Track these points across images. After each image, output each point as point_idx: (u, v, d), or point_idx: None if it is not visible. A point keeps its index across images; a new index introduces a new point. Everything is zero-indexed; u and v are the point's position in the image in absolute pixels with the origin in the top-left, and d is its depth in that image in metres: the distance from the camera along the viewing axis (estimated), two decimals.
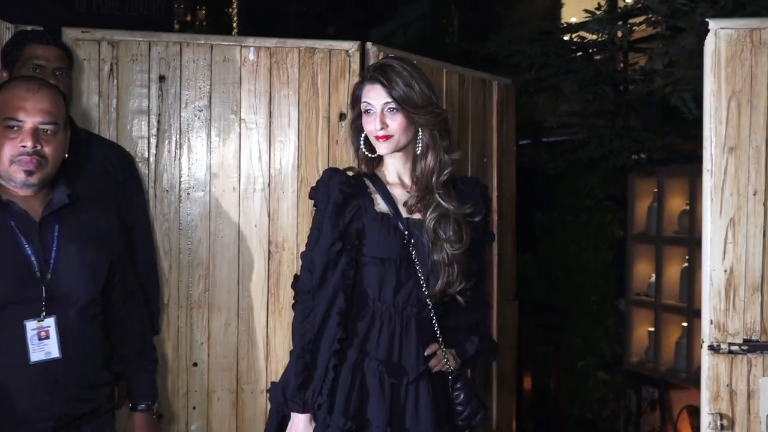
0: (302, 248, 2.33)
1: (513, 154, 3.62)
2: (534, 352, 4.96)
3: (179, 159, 2.77)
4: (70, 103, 2.54)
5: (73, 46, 2.64)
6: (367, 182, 2.25)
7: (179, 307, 2.75)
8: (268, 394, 2.30)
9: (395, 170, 2.26)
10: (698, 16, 3.90)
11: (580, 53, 4.66)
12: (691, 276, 4.14)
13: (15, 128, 2.03)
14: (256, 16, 9.48)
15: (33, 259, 2.04)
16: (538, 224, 5.33)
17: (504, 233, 3.45)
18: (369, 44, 2.86)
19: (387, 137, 2.19)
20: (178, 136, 2.77)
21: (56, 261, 2.06)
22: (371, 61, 2.80)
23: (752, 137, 2.61)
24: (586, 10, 4.52)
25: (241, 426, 2.77)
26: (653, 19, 4.35)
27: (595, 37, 4.56)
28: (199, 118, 2.78)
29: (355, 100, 2.26)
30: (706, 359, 2.60)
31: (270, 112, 2.81)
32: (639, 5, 4.39)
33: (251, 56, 2.80)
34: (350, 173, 2.29)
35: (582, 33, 4.62)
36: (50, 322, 2.03)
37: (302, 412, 2.15)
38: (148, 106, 2.75)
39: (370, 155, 2.26)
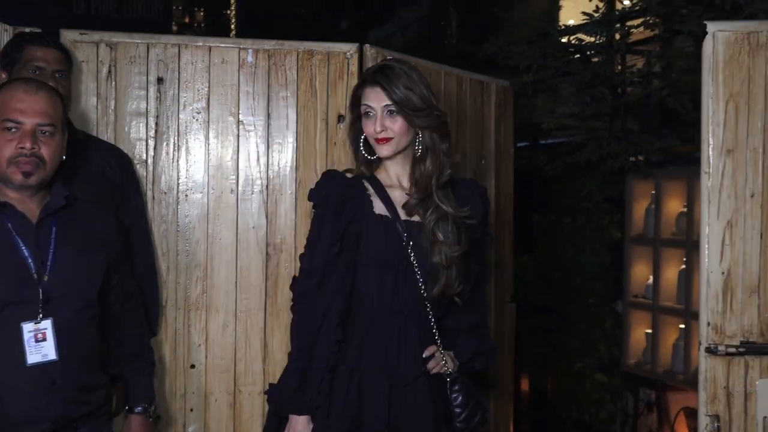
0: (300, 250, 2.33)
1: (511, 156, 3.63)
2: (531, 354, 4.96)
3: (177, 161, 2.77)
4: (69, 106, 2.54)
5: (71, 47, 2.64)
6: (366, 184, 2.25)
7: (177, 309, 2.74)
8: (266, 396, 2.30)
9: (394, 172, 2.27)
10: (696, 19, 3.91)
11: (578, 55, 4.67)
12: (688, 278, 4.15)
13: (13, 130, 2.03)
14: (254, 18, 9.49)
15: (30, 261, 2.03)
16: (535, 226, 5.33)
17: (502, 235, 3.46)
18: (367, 46, 2.86)
19: (387, 140, 2.20)
20: (176, 138, 2.77)
21: (53, 263, 2.06)
22: (369, 63, 2.80)
23: (750, 140, 2.62)
24: (584, 13, 4.53)
25: (238, 428, 2.76)
26: (651, 21, 4.37)
27: (592, 39, 4.58)
28: (197, 120, 2.78)
29: (355, 102, 2.26)
30: (703, 361, 2.61)
31: (268, 114, 2.81)
32: (637, 8, 4.40)
33: (249, 58, 2.80)
34: (349, 175, 2.29)
35: (580, 35, 4.63)
36: (47, 324, 2.03)
37: (300, 413, 2.15)
38: (147, 108, 2.75)
39: (369, 157, 2.27)
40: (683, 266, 4.26)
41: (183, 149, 2.77)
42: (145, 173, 2.74)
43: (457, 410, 2.22)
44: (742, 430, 2.59)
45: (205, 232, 2.77)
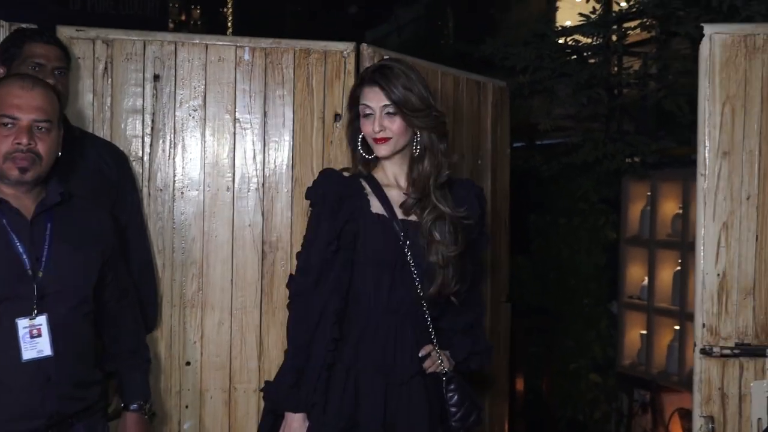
0: (296, 248, 2.33)
1: (507, 156, 3.63)
2: (527, 354, 4.97)
3: (173, 158, 2.76)
4: (67, 103, 2.54)
5: (67, 44, 2.63)
6: (363, 183, 2.25)
7: (172, 306, 2.74)
8: (261, 393, 2.29)
9: (391, 172, 2.27)
10: (692, 21, 3.92)
11: (575, 56, 4.67)
12: (683, 279, 4.16)
13: (9, 125, 2.03)
14: (250, 16, 9.47)
15: (24, 257, 2.03)
16: (531, 226, 5.34)
17: (498, 235, 3.46)
18: (364, 45, 2.86)
19: (385, 139, 2.20)
20: (172, 136, 2.76)
21: (48, 259, 2.06)
22: (366, 62, 2.80)
23: (746, 142, 2.62)
24: (581, 14, 4.54)
25: (233, 425, 2.76)
26: (648, 23, 4.38)
27: (589, 40, 4.58)
28: (193, 117, 2.77)
29: (353, 101, 2.26)
30: (698, 362, 2.61)
31: (265, 112, 2.81)
32: (633, 9, 4.41)
33: (246, 56, 2.80)
34: (346, 174, 2.29)
35: (577, 36, 4.64)
36: (42, 320, 2.02)
37: (296, 411, 2.15)
38: (143, 105, 2.75)
39: (367, 156, 2.27)
40: (678, 268, 4.27)
41: (179, 146, 2.77)
42: (141, 170, 2.74)
43: (453, 409, 2.22)
44: None
45: (201, 230, 2.76)
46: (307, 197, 2.27)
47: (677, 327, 4.23)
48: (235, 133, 2.79)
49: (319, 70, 2.82)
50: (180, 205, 2.76)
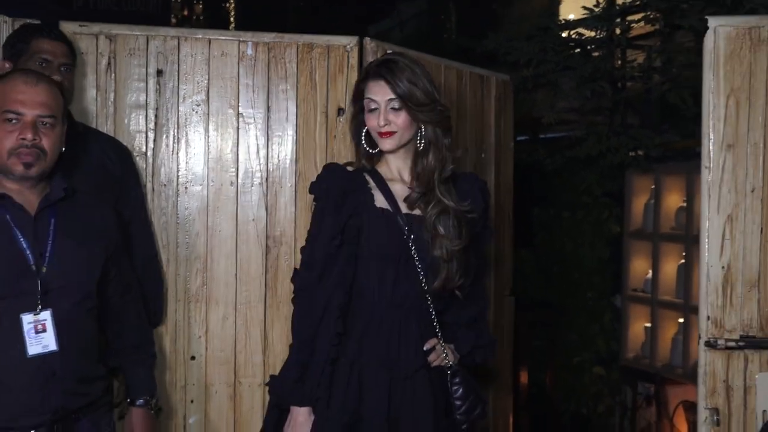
0: (300, 243, 2.33)
1: (511, 150, 3.62)
2: (530, 348, 4.97)
3: (177, 153, 2.77)
4: (72, 99, 2.54)
5: (71, 40, 2.63)
6: (367, 177, 2.25)
7: (177, 301, 2.74)
8: (266, 388, 2.30)
9: (395, 166, 2.26)
10: (696, 14, 3.91)
11: (578, 50, 4.66)
12: (687, 272, 4.16)
13: (14, 121, 2.03)
14: (252, 12, 9.47)
15: (28, 252, 2.03)
16: (535, 220, 5.34)
17: (501, 229, 3.46)
18: (367, 39, 2.86)
19: (390, 134, 2.19)
20: (175, 131, 2.77)
21: (52, 254, 2.06)
22: (369, 56, 2.80)
23: (750, 134, 2.62)
24: (584, 7, 4.52)
25: (238, 419, 2.77)
26: (651, 16, 4.36)
27: (593, 33, 4.57)
28: (197, 112, 2.77)
29: (358, 95, 2.25)
30: (702, 355, 2.61)
31: (268, 107, 2.81)
32: (637, 2, 4.40)
33: (249, 51, 2.80)
34: (350, 168, 2.29)
35: (580, 30, 4.62)
36: (46, 315, 2.03)
37: (301, 405, 2.15)
38: (146, 101, 2.75)
39: (370, 151, 2.26)
40: (682, 261, 4.26)
41: (183, 141, 2.77)
42: (144, 165, 2.74)
43: (458, 403, 2.22)
44: (741, 424, 2.60)
45: (205, 225, 2.77)
46: (310, 192, 2.27)
47: (681, 320, 4.23)
48: (238, 128, 2.79)
49: (322, 64, 2.82)
50: (184, 200, 2.76)
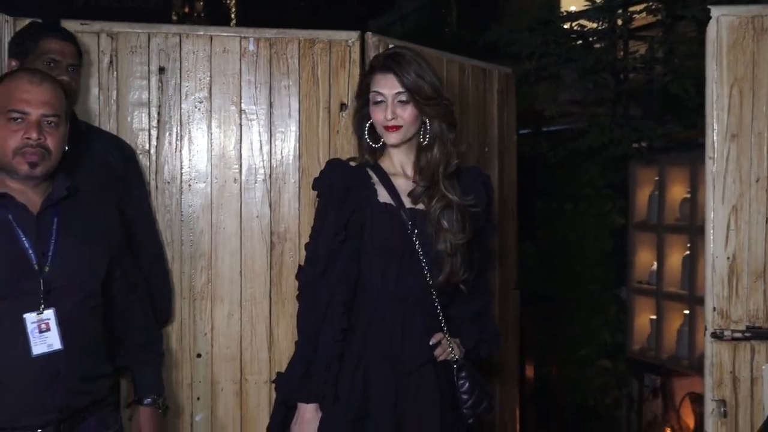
0: (304, 239, 2.32)
1: (514, 143, 3.62)
2: (535, 341, 4.96)
3: (180, 151, 2.76)
4: (77, 99, 2.54)
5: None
6: (370, 173, 2.25)
7: (182, 299, 2.74)
8: (272, 385, 2.30)
9: (398, 160, 2.26)
10: (698, 4, 3.90)
11: (580, 42, 4.65)
12: (692, 264, 4.15)
13: (18, 120, 2.03)
14: (253, 9, 9.46)
15: (30, 252, 2.03)
16: (538, 213, 5.33)
17: (505, 223, 3.45)
18: (369, 34, 2.85)
19: (397, 127, 2.19)
20: (178, 128, 2.76)
21: (54, 253, 2.05)
22: (371, 51, 2.79)
23: (754, 124, 2.61)
24: None
25: (245, 416, 2.77)
26: (653, 6, 4.35)
27: (595, 25, 4.56)
28: (199, 109, 2.77)
29: (364, 88, 2.24)
30: (709, 346, 2.61)
31: (270, 103, 2.80)
32: None
33: (251, 47, 2.79)
34: (353, 164, 2.29)
35: (582, 21, 4.61)
36: (50, 314, 2.03)
37: (308, 402, 2.15)
38: (149, 98, 2.74)
39: (374, 145, 2.26)
40: (687, 252, 4.26)
41: (185, 139, 2.76)
42: (147, 163, 2.74)
43: (464, 397, 2.22)
44: (748, 415, 2.59)
45: (209, 222, 2.77)
46: (313, 188, 2.27)
47: (687, 311, 4.22)
48: (241, 125, 2.79)
49: (324, 59, 2.81)
50: (187, 198, 2.76)
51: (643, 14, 4.47)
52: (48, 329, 2.02)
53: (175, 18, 8.36)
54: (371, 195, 2.21)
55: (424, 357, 2.20)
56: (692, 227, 4.15)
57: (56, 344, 2.03)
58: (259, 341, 2.77)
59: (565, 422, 4.98)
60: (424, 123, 2.21)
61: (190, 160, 2.77)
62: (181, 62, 2.75)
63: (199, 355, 2.75)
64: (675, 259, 4.37)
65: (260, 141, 2.79)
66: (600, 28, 4.54)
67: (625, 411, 4.74)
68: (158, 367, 2.38)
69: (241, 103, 2.79)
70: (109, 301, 2.22)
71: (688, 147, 4.30)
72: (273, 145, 2.80)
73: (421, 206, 2.22)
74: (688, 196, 4.26)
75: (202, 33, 2.79)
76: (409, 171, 2.26)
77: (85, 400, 2.09)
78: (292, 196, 2.80)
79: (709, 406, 2.60)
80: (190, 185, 2.76)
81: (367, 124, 2.25)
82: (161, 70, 2.74)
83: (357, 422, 2.13)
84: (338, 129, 2.81)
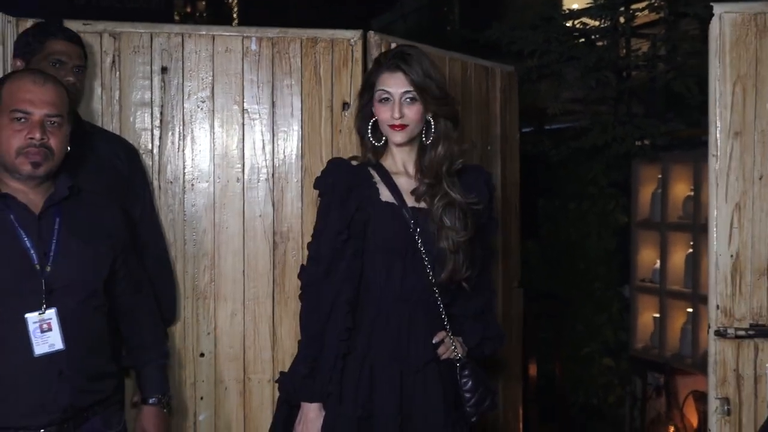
0: (307, 238, 2.32)
1: (516, 141, 3.61)
2: (538, 339, 4.96)
3: (183, 150, 2.76)
4: (81, 100, 2.54)
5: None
6: (372, 172, 2.25)
7: (185, 298, 2.74)
8: (275, 384, 2.30)
9: (400, 159, 2.26)
10: (701, 1, 3.89)
11: (583, 39, 4.65)
12: (695, 262, 4.14)
13: (22, 120, 2.04)
14: (255, 8, 9.46)
15: (32, 252, 2.04)
16: (540, 211, 5.32)
17: (508, 221, 3.45)
18: (371, 33, 2.85)
19: (403, 126, 2.19)
20: (181, 128, 2.76)
21: (56, 253, 2.06)
22: (374, 50, 2.79)
23: (758, 121, 2.60)
24: None
25: (248, 415, 2.77)
26: (656, 4, 4.34)
27: (597, 23, 4.55)
28: (202, 109, 2.77)
29: (369, 86, 2.24)
30: (712, 344, 2.60)
31: (273, 102, 2.80)
32: None
33: (253, 46, 2.79)
34: (354, 162, 2.29)
35: (584, 19, 4.60)
36: (52, 314, 2.03)
37: (311, 401, 2.15)
38: (151, 98, 2.74)
39: (376, 144, 2.26)
40: (690, 250, 4.25)
41: (188, 138, 2.77)
42: (150, 163, 2.74)
43: (468, 395, 2.22)
44: (752, 413, 2.59)
45: (212, 221, 2.77)
46: (315, 187, 2.27)
47: (690, 309, 4.22)
48: (243, 124, 2.79)
49: (326, 58, 2.81)
50: (190, 197, 2.76)
51: (646, 12, 4.47)
52: (50, 329, 2.02)
53: (177, 18, 8.37)
54: (373, 194, 2.21)
55: (428, 355, 2.20)
56: (695, 225, 4.14)
57: (58, 344, 2.03)
58: (262, 340, 2.77)
59: (569, 420, 4.97)
60: (429, 122, 2.21)
61: (192, 159, 2.77)
62: (183, 62, 2.75)
63: (202, 355, 2.76)
64: (678, 257, 4.36)
65: (263, 140, 2.79)
66: (602, 25, 4.53)
67: (629, 409, 4.73)
68: (163, 366, 2.38)
69: (243, 102, 2.79)
70: (114, 300, 2.22)
71: (691, 145, 4.30)
72: (276, 145, 2.80)
73: (423, 204, 2.22)
74: (692, 193, 4.25)
75: (204, 33, 2.79)
76: (411, 169, 2.26)
77: (89, 399, 2.09)
78: (295, 196, 2.80)
79: (713, 404, 2.60)
80: (192, 185, 2.76)
81: (370, 123, 2.25)
82: (164, 69, 2.74)
83: (363, 420, 2.14)
84: (341, 128, 2.81)
